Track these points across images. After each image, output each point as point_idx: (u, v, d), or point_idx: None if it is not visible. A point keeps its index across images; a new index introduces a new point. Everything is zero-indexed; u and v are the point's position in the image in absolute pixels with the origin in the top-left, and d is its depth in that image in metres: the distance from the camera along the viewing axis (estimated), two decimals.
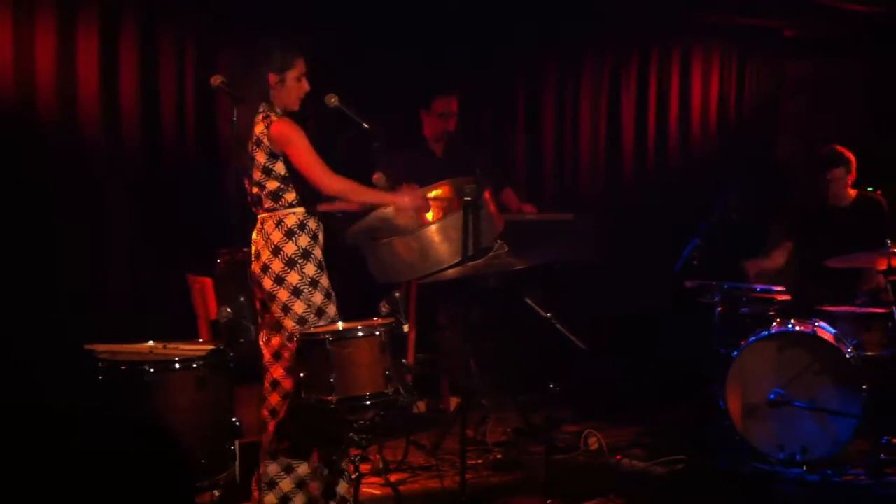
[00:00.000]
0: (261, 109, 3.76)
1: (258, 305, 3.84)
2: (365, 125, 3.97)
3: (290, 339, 3.74)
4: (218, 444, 3.38)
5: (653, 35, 6.79)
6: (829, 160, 5.44)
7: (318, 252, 3.80)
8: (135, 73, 5.13)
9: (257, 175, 3.75)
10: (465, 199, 3.93)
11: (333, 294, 3.82)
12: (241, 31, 5.38)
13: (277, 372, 3.82)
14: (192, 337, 4.47)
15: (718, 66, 6.97)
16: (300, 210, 3.77)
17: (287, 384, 3.80)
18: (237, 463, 3.57)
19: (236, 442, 3.50)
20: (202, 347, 3.50)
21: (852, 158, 5.44)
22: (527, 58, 6.51)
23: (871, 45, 6.88)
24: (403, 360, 3.68)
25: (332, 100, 3.97)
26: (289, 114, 3.83)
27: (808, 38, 7.05)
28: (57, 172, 4.97)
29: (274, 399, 3.82)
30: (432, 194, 4.58)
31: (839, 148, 5.47)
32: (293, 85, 3.82)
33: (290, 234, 3.74)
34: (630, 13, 6.58)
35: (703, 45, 6.92)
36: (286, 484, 3.83)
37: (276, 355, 3.81)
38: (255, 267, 3.76)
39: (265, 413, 3.84)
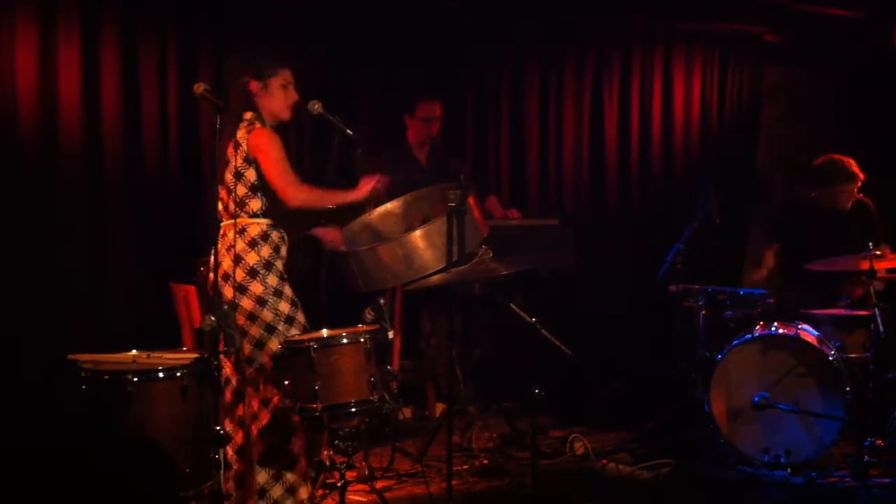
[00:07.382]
0: (247, 116, 3.79)
1: None
2: (348, 131, 3.98)
3: (258, 346, 3.74)
4: (202, 454, 3.35)
5: (634, 41, 6.80)
6: (846, 175, 5.34)
7: (279, 264, 3.81)
8: (116, 82, 5.12)
9: (228, 178, 3.76)
10: (450, 204, 3.93)
11: (299, 302, 3.83)
12: (225, 40, 5.38)
13: (248, 378, 3.79)
14: (175, 345, 4.46)
15: (700, 71, 6.98)
16: (264, 221, 3.78)
17: (252, 395, 3.79)
18: (221, 472, 3.55)
19: (220, 451, 3.48)
20: (186, 356, 3.48)
21: (861, 174, 5.37)
22: (509, 64, 6.52)
23: (851, 49, 6.92)
24: (388, 367, 3.67)
25: (316, 106, 3.97)
26: (277, 126, 3.84)
27: (789, 44, 7.09)
28: (37, 182, 4.93)
29: (240, 411, 3.81)
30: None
31: (850, 162, 5.36)
32: (278, 93, 3.84)
33: (252, 243, 3.75)
34: (612, 20, 6.60)
35: (685, 51, 6.94)
36: (276, 491, 3.81)
37: (248, 361, 3.78)
38: (216, 275, 3.73)
39: (232, 425, 3.83)
